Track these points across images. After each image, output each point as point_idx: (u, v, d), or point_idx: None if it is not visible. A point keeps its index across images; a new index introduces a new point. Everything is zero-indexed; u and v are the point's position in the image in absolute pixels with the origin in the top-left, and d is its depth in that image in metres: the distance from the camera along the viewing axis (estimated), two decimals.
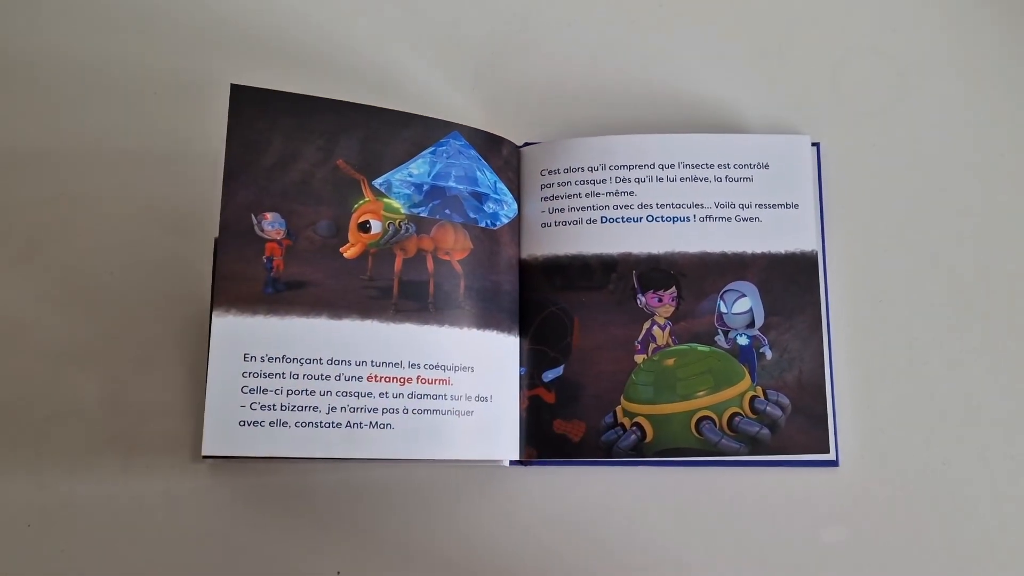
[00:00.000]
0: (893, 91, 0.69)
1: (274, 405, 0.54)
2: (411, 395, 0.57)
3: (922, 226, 0.66)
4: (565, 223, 0.64)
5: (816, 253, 0.63)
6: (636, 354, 0.62)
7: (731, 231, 0.63)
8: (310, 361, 0.55)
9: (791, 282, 0.63)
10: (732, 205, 0.64)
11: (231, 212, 0.56)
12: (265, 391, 0.54)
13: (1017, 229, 0.66)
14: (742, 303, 0.62)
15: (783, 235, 0.63)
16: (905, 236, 0.66)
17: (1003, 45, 0.70)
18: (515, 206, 0.64)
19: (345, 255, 0.58)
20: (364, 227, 0.58)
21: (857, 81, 0.69)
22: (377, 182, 0.59)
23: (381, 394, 0.56)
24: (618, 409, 0.61)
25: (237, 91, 0.57)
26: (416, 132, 0.61)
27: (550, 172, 0.64)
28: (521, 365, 0.62)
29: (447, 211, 0.61)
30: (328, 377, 0.55)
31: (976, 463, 0.62)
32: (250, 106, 0.57)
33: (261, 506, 0.61)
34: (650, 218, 0.63)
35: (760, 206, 0.64)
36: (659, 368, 0.62)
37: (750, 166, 0.64)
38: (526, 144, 0.66)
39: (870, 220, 0.66)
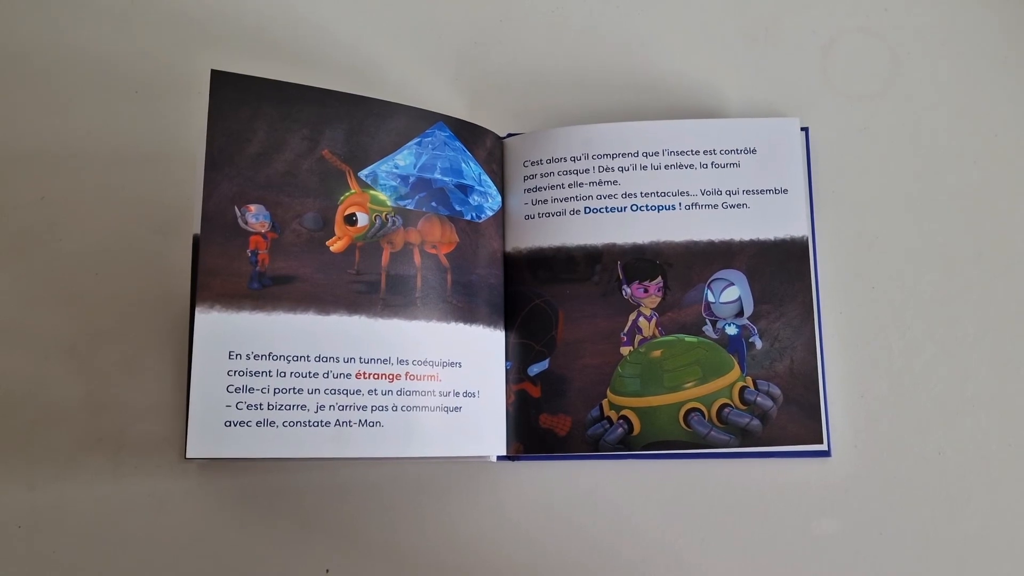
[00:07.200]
0: (884, 73, 0.73)
1: (261, 404, 0.57)
2: (400, 392, 0.60)
3: (915, 211, 0.70)
4: (548, 215, 0.67)
5: (806, 239, 0.66)
6: (622, 346, 0.65)
7: (718, 218, 0.67)
8: (297, 358, 0.58)
9: (781, 269, 0.66)
10: (719, 192, 0.67)
11: (214, 204, 0.58)
12: (251, 390, 0.57)
13: (1012, 213, 0.69)
14: (730, 292, 0.66)
15: (772, 221, 0.67)
16: (897, 221, 0.69)
17: (996, 25, 0.73)
18: (499, 198, 0.68)
19: (332, 248, 0.61)
20: (351, 220, 0.61)
21: (847, 63, 0.73)
22: (363, 173, 0.62)
23: (370, 391, 0.59)
24: (604, 402, 0.65)
25: (218, 77, 0.59)
26: (401, 123, 0.63)
27: (533, 163, 0.68)
28: (507, 359, 0.66)
29: (433, 203, 0.64)
30: (316, 375, 0.58)
31: (971, 452, 0.65)
32: (232, 94, 0.59)
33: (250, 505, 0.64)
34: (634, 207, 0.67)
35: (748, 192, 0.67)
36: (646, 360, 0.65)
37: (737, 151, 0.68)
38: (509, 135, 0.69)
39: (861, 205, 0.70)
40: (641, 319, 0.66)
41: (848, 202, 0.70)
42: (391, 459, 0.64)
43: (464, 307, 0.64)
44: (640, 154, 0.68)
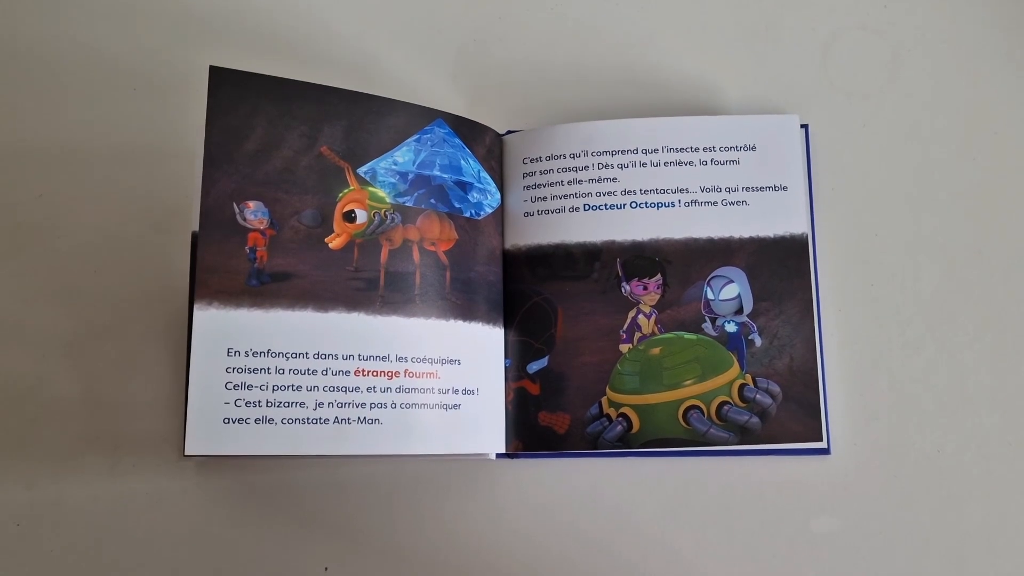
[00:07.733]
0: (884, 70, 0.73)
1: (259, 402, 0.57)
2: (399, 389, 0.60)
3: (915, 208, 0.70)
4: (548, 212, 0.67)
5: (806, 236, 0.66)
6: (621, 343, 0.66)
7: (717, 215, 0.67)
8: (296, 355, 0.58)
9: (780, 267, 0.66)
10: (718, 189, 0.67)
11: (212, 200, 0.58)
12: (250, 387, 0.57)
13: (1012, 211, 0.70)
14: (730, 289, 0.66)
15: (771, 218, 0.67)
16: (897, 218, 0.70)
17: (996, 22, 0.73)
18: (498, 195, 0.68)
19: (330, 245, 0.61)
20: (349, 216, 0.62)
21: (847, 60, 0.73)
22: (362, 170, 0.62)
23: (369, 388, 0.59)
24: (603, 400, 0.65)
25: (216, 73, 0.59)
26: (400, 119, 0.64)
27: (532, 160, 0.68)
28: (506, 357, 0.66)
29: (432, 200, 0.64)
30: (315, 372, 0.58)
31: (970, 450, 0.66)
32: (231, 90, 0.59)
33: (249, 503, 0.64)
34: (634, 204, 0.67)
35: (747, 189, 0.67)
36: (645, 357, 0.65)
37: (736, 148, 0.68)
38: (508, 132, 0.70)
39: (861, 202, 0.70)
40: (640, 316, 0.66)
41: (848, 199, 0.70)
42: (390, 457, 0.64)
43: (463, 304, 0.64)
44: (639, 151, 0.68)
